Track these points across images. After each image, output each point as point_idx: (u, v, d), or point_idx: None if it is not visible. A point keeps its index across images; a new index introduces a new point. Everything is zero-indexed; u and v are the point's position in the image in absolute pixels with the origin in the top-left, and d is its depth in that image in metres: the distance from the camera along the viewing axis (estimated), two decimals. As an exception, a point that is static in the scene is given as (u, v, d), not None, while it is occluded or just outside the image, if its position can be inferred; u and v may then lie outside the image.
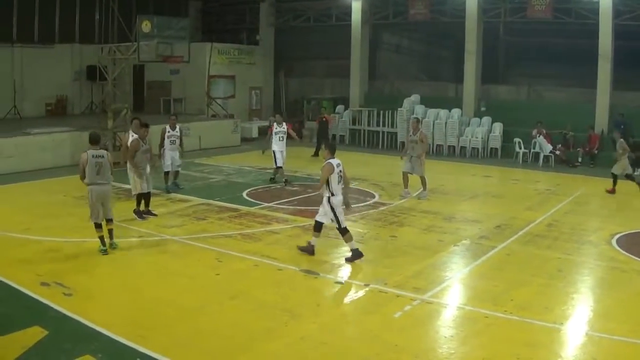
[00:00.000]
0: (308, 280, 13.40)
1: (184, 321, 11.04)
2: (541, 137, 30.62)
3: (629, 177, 23.44)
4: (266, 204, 20.48)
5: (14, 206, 19.78)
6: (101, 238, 14.94)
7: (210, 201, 20.62)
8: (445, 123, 34.22)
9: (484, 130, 33.39)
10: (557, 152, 30.41)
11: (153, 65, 36.86)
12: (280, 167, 24.39)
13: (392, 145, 35.97)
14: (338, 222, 14.79)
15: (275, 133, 24.39)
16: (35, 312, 11.21)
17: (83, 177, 15.16)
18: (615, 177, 23.27)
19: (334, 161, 14.66)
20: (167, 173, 22.24)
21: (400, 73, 42.55)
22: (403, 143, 33.89)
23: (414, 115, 29.01)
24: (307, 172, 26.90)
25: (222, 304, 11.95)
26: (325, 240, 16.32)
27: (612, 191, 23.18)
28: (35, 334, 10.13)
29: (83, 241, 15.87)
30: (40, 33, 37.19)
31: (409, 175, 22.10)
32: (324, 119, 32.54)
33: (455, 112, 34.84)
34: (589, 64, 31.47)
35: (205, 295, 12.47)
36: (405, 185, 22.08)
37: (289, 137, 25.02)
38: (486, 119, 34.09)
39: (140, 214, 18.29)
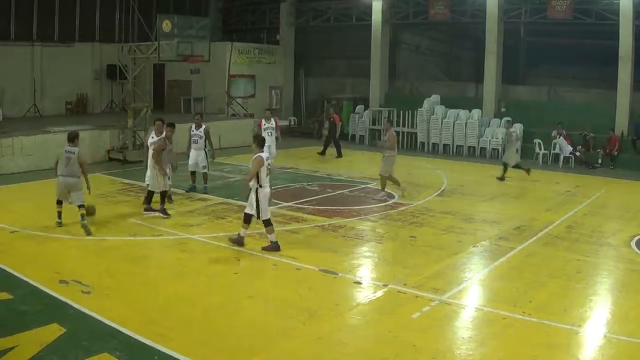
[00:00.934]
0: (327, 280, 13.40)
1: (203, 320, 11.08)
2: (561, 138, 30.53)
3: None
4: (285, 204, 20.48)
5: (33, 204, 19.85)
6: (59, 213, 17.05)
7: (230, 200, 20.65)
8: (465, 123, 34.14)
9: (504, 131, 33.27)
10: (577, 154, 30.31)
11: (173, 64, 37.08)
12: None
13: (412, 145, 35.93)
14: (258, 213, 15.10)
15: (264, 129, 24.67)
16: (54, 310, 11.27)
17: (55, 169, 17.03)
18: None
19: (264, 154, 15.21)
20: (192, 173, 22.23)
21: (421, 73, 42.54)
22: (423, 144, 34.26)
23: (387, 118, 28.89)
24: (327, 172, 26.91)
25: (240, 302, 11.98)
26: (344, 240, 16.41)
27: None
28: (53, 331, 10.18)
29: (102, 239, 15.97)
30: (61, 32, 37.31)
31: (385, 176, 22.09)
32: (332, 119, 32.53)
33: (476, 112, 34.70)
34: (610, 65, 31.35)
35: (223, 294, 12.52)
36: (382, 188, 22.05)
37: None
38: (506, 120, 33.98)
39: (165, 211, 18.38)
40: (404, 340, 10.26)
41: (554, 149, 31.08)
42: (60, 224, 16.97)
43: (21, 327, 10.24)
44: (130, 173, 25.27)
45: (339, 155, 31.71)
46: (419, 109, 35.56)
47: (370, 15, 39.26)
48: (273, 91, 43.11)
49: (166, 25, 27.80)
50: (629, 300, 12.55)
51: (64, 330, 10.22)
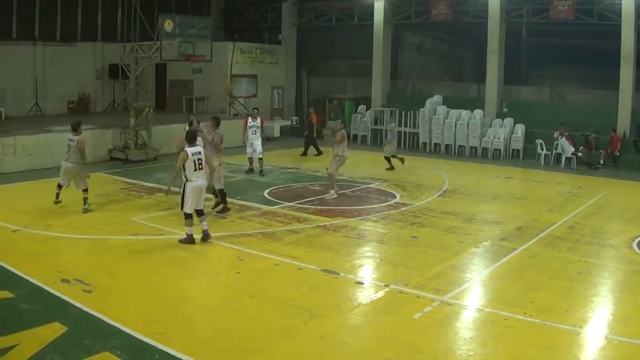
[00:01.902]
0: (328, 280, 13.41)
1: (204, 319, 11.12)
2: (563, 138, 30.52)
3: None
4: (287, 203, 20.52)
5: (35, 203, 19.86)
6: (57, 194, 19.07)
7: (232, 200, 20.64)
8: (467, 124, 34.12)
9: (506, 132, 33.30)
10: (579, 154, 30.30)
11: (175, 64, 37.01)
12: (250, 158, 26.43)
13: (414, 145, 35.95)
14: (182, 205, 15.88)
15: (250, 127, 26.35)
16: (55, 309, 11.30)
17: None
18: None
19: (190, 149, 15.49)
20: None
21: (423, 73, 42.50)
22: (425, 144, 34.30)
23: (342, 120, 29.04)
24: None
25: (242, 302, 11.99)
26: (346, 240, 16.42)
27: None
28: (54, 330, 10.19)
29: (104, 238, 16.00)
30: (63, 31, 37.37)
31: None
32: (309, 119, 32.49)
33: (478, 112, 34.69)
34: (612, 65, 31.30)
35: (225, 293, 12.55)
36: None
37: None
38: (508, 120, 33.97)
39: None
40: (405, 341, 10.27)
41: (556, 150, 31.06)
42: (57, 203, 19.04)
43: (22, 326, 10.27)
44: (132, 172, 25.33)
45: (319, 153, 31.81)
46: (420, 109, 35.55)
47: (372, 15, 39.22)
48: (275, 91, 43.10)
49: (168, 25, 27.82)
50: (630, 302, 12.54)
51: (65, 329, 10.24)
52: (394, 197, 22.06)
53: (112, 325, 10.51)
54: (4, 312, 11.02)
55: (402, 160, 28.23)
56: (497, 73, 35.04)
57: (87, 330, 10.30)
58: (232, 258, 14.72)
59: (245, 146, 26.66)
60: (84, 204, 18.80)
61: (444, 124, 34.64)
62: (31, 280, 12.70)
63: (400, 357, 9.72)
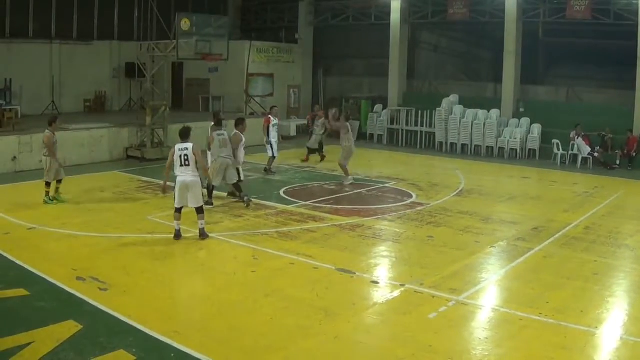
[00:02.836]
0: (344, 279, 13.42)
1: (219, 318, 11.12)
2: (580, 139, 30.42)
3: None
4: (303, 202, 20.54)
5: (52, 201, 20.00)
6: (56, 189, 19.82)
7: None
8: (484, 124, 34.02)
9: (523, 131, 33.19)
10: (596, 154, 30.19)
11: (192, 63, 37.12)
12: (274, 157, 26.48)
13: (430, 145, 35.90)
14: (174, 199, 15.99)
15: (273, 125, 26.49)
16: (70, 306, 11.36)
17: None
18: None
19: (179, 145, 15.85)
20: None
21: (439, 73, 42.48)
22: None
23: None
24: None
25: (257, 301, 12.01)
26: (362, 239, 16.43)
27: None
28: (70, 327, 10.25)
29: (120, 237, 16.06)
30: (79, 30, 37.53)
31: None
32: (318, 116, 32.43)
33: (494, 112, 34.58)
34: (628, 65, 31.16)
35: (240, 292, 12.55)
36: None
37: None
38: (525, 120, 33.86)
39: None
40: (421, 341, 10.26)
41: (572, 150, 30.95)
42: (47, 202, 19.63)
43: (38, 324, 10.32)
44: (148, 171, 25.39)
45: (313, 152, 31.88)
46: (437, 109, 35.45)
47: (389, 15, 39.11)
48: (291, 90, 43.12)
49: (185, 24, 27.89)
50: (646, 303, 12.52)
51: (80, 326, 10.29)
52: (410, 196, 22.04)
53: (127, 324, 10.55)
54: (20, 310, 11.08)
55: (322, 157, 29.10)
56: (513, 73, 34.92)
57: (102, 328, 10.34)
58: (247, 257, 14.72)
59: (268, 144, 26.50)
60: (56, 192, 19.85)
61: (460, 123, 34.54)
62: (47, 278, 12.77)
63: (415, 357, 9.72)
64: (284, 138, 33.68)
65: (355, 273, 13.72)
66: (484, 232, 17.51)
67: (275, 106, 28.79)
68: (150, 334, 10.18)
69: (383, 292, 12.93)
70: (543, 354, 9.88)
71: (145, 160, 27.81)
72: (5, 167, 24.58)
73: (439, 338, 10.41)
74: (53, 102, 35.43)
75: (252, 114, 37.32)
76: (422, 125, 36.35)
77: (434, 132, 35.69)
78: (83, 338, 9.91)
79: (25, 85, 33.93)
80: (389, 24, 39.16)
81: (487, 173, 28.19)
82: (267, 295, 12.31)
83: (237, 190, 20.43)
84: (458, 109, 35.55)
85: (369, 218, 18.86)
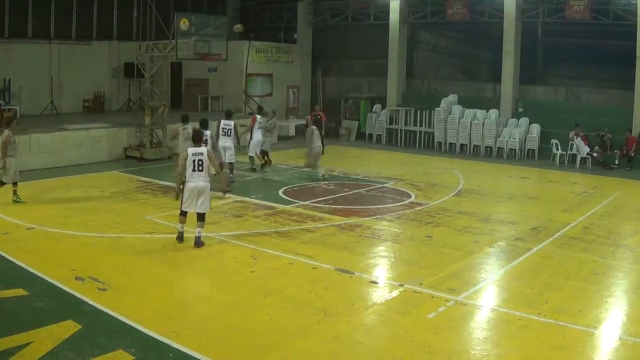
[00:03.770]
0: (343, 279, 13.42)
1: (218, 318, 11.13)
2: (579, 139, 30.43)
3: None
4: (302, 202, 20.55)
5: (50, 201, 20.01)
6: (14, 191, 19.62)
7: (246, 199, 20.73)
8: (483, 123, 34.02)
9: (522, 131, 33.21)
10: (595, 154, 30.21)
11: (191, 62, 37.19)
12: (252, 157, 26.68)
13: (429, 145, 35.90)
14: (182, 202, 15.43)
15: (258, 127, 26.72)
16: (69, 306, 11.35)
17: None
18: None
19: (192, 149, 15.31)
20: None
21: (438, 73, 42.52)
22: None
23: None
24: (344, 171, 26.93)
25: (256, 301, 12.01)
26: (361, 239, 16.43)
27: None
28: (68, 327, 10.24)
29: (119, 237, 16.06)
30: (78, 30, 37.51)
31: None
32: (319, 116, 32.43)
33: (493, 112, 34.58)
34: (628, 65, 31.17)
35: (239, 292, 12.54)
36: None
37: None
38: (523, 120, 33.87)
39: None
40: (420, 340, 10.27)
41: (571, 150, 30.97)
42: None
43: (37, 324, 10.32)
44: (147, 171, 25.39)
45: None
46: (436, 109, 35.46)
47: (388, 15, 39.13)
48: (290, 90, 43.13)
49: (184, 24, 27.93)
50: (645, 303, 12.53)
51: (79, 326, 10.28)
52: (409, 196, 22.05)
53: (126, 324, 10.55)
54: (19, 310, 11.08)
55: (265, 163, 27.42)
56: (512, 73, 34.92)
57: (101, 328, 10.34)
58: (246, 257, 14.72)
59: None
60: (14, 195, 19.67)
61: (459, 123, 34.55)
62: (45, 278, 12.76)
63: (414, 356, 9.72)
64: (281, 138, 33.71)
65: (354, 273, 13.72)
66: (483, 232, 17.51)
67: (274, 110, 29.34)
68: (149, 334, 10.17)
69: (382, 292, 12.93)
70: (542, 354, 9.88)
71: (144, 160, 27.82)
72: (5, 167, 24.55)
73: (437, 338, 10.41)
74: (52, 102, 35.47)
75: (250, 113, 37.26)
76: (421, 125, 36.37)
77: (433, 132, 35.69)
78: (82, 338, 9.90)
79: (24, 85, 33.99)
80: (388, 24, 39.18)
81: (486, 173, 28.19)
82: (266, 295, 12.31)
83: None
84: (457, 108, 35.56)
85: (368, 218, 18.86)
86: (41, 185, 22.54)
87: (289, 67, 43.10)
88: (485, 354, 9.88)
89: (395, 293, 12.61)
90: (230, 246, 15.50)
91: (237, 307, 11.68)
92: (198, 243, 15.28)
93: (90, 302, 11.45)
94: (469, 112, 35.04)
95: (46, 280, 12.62)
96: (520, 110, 35.02)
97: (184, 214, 15.45)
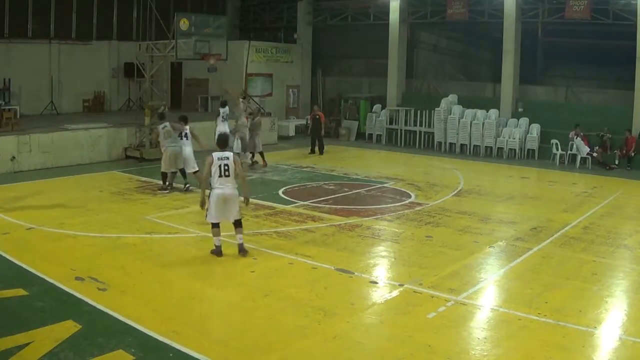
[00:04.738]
0: (342, 279, 13.43)
1: (218, 318, 11.16)
2: (579, 139, 30.43)
3: None
4: (302, 202, 20.55)
5: (50, 201, 19.99)
6: None
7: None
8: (483, 124, 34.01)
9: (521, 131, 33.20)
10: (594, 154, 30.21)
11: (191, 62, 37.11)
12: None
13: (429, 145, 35.88)
14: (207, 213, 14.69)
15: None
16: (69, 306, 11.36)
17: None
18: None
19: (217, 154, 14.42)
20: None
21: (438, 73, 42.51)
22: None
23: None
24: (344, 171, 26.94)
25: (256, 301, 12.01)
26: (361, 239, 16.43)
27: None
28: (68, 327, 10.25)
29: (118, 237, 16.07)
30: (78, 30, 37.52)
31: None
32: (317, 116, 32.44)
33: (493, 112, 34.57)
34: (627, 65, 31.18)
35: (239, 292, 12.55)
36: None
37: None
38: (523, 120, 33.87)
39: None
40: (419, 340, 10.27)
41: (571, 150, 30.96)
42: None
43: (37, 324, 10.33)
44: (147, 171, 25.37)
45: (312, 151, 32.38)
46: (436, 109, 35.45)
47: (388, 15, 39.13)
48: (290, 90, 43.12)
49: (183, 24, 27.93)
50: (645, 302, 12.53)
51: (79, 326, 10.29)
52: (409, 196, 22.04)
53: (126, 323, 10.55)
54: (18, 310, 11.08)
55: (255, 163, 28.27)
56: (512, 73, 34.93)
57: (101, 328, 10.35)
58: (246, 257, 14.70)
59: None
60: None
61: (459, 123, 34.54)
62: (45, 278, 12.77)
63: (414, 356, 9.72)
64: (281, 138, 33.71)
65: (354, 273, 13.72)
66: (483, 232, 17.51)
67: (260, 108, 30.15)
68: (149, 334, 10.17)
69: (382, 292, 12.93)
70: (541, 354, 9.88)
71: (144, 160, 27.78)
72: (4, 167, 24.51)
73: (437, 338, 10.41)
74: (52, 102, 35.47)
75: (251, 113, 37.30)
76: (421, 125, 36.36)
77: (433, 132, 35.68)
78: (82, 338, 9.90)
79: (24, 85, 34.02)
80: (387, 24, 39.17)
81: (485, 173, 28.21)
82: (265, 295, 12.31)
83: (183, 177, 22.00)
84: (457, 108, 35.55)
85: (368, 218, 18.86)
86: (41, 185, 22.55)
87: (289, 67, 43.10)
88: (485, 354, 9.88)
89: (395, 293, 12.61)
90: (230, 246, 15.43)
91: (237, 307, 11.70)
92: (242, 250, 14.75)
93: (90, 302, 11.45)
94: (469, 112, 35.03)
95: (46, 280, 12.62)
96: (520, 110, 35.02)
97: (217, 225, 14.68)
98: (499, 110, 34.83)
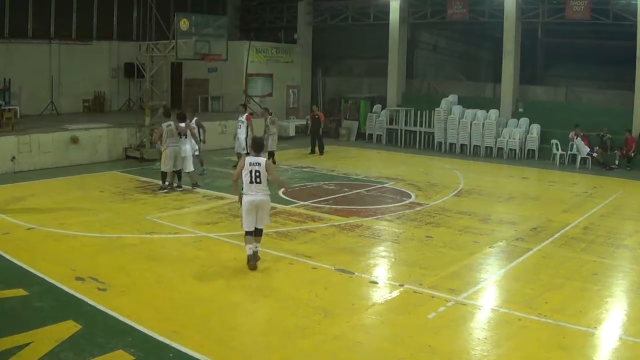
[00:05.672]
0: (343, 279, 13.42)
1: (218, 318, 11.12)
2: (579, 139, 30.43)
3: None
4: (302, 203, 20.53)
5: (50, 201, 19.99)
6: None
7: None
8: (483, 124, 34.01)
9: (521, 132, 33.19)
10: (594, 155, 30.21)
11: (191, 63, 37.17)
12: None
13: (429, 145, 35.88)
14: (242, 221, 14.14)
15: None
16: (69, 306, 11.36)
17: None
18: None
19: (250, 158, 13.94)
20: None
21: (438, 73, 42.53)
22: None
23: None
24: (344, 171, 26.93)
25: (256, 301, 12.04)
26: (361, 240, 16.41)
27: None
28: (68, 327, 10.25)
29: (118, 237, 16.06)
30: (78, 30, 37.55)
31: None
32: (317, 116, 32.43)
33: (493, 112, 34.57)
34: (627, 65, 31.17)
35: (239, 292, 12.56)
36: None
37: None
38: (524, 120, 33.87)
39: None
40: (420, 341, 10.26)
41: (571, 150, 30.96)
42: None
43: (37, 324, 10.33)
44: (147, 171, 25.37)
45: (312, 151, 32.44)
46: (436, 109, 35.45)
47: (388, 15, 39.15)
48: (290, 90, 43.12)
49: (184, 24, 27.90)
50: (645, 303, 12.52)
51: (79, 327, 10.28)
52: (409, 196, 22.04)
53: (126, 324, 10.55)
54: (19, 310, 11.08)
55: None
56: (512, 73, 34.93)
57: (101, 328, 10.35)
58: (246, 257, 14.70)
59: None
60: None
61: (459, 123, 34.54)
62: (45, 278, 12.76)
63: (414, 357, 9.72)
64: (281, 138, 33.68)
65: (354, 273, 13.72)
66: (483, 232, 17.50)
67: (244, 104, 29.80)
68: (149, 334, 10.18)
69: (382, 292, 12.92)
70: (542, 354, 9.88)
71: (144, 160, 27.78)
72: (4, 167, 24.52)
73: (438, 338, 10.41)
74: (52, 102, 35.48)
75: (251, 113, 37.26)
76: (421, 126, 36.35)
77: (433, 132, 35.69)
78: (82, 338, 9.90)
79: (24, 85, 34.03)
80: (388, 24, 39.18)
81: (486, 173, 28.20)
82: (266, 295, 12.32)
83: (177, 178, 22.07)
84: (457, 109, 35.56)
85: (368, 218, 18.86)
86: (41, 185, 22.56)
87: (289, 67, 43.10)
88: (485, 354, 9.87)
89: (395, 293, 12.61)
90: (230, 246, 15.48)
91: (238, 307, 11.69)
92: (250, 259, 14.11)
93: (91, 302, 11.45)
94: (469, 112, 35.04)
95: (46, 280, 12.62)
96: (520, 110, 35.02)
97: (250, 233, 14.05)
98: (499, 110, 34.84)
